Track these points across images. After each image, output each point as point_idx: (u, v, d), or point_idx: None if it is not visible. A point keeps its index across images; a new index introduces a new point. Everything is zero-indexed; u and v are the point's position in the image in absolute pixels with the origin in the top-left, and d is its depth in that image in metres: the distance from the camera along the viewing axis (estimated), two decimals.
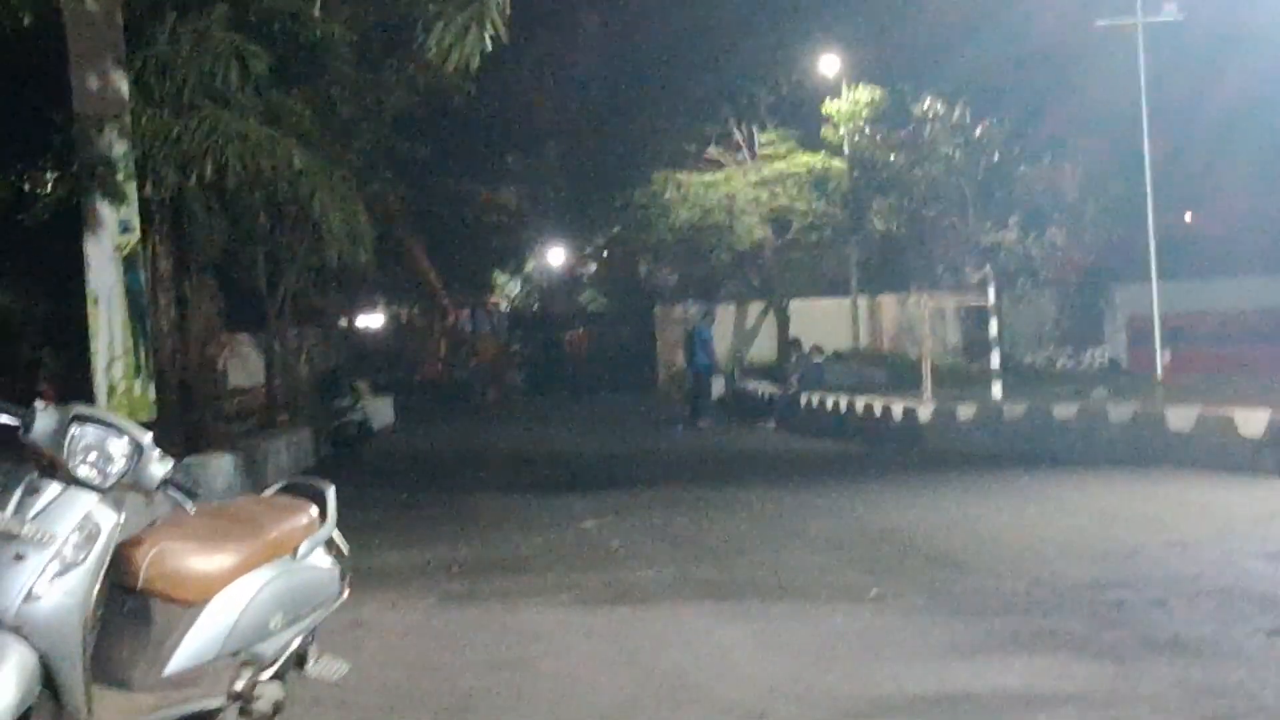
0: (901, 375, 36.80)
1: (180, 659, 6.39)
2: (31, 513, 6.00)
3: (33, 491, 6.05)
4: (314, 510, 7.07)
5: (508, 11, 12.57)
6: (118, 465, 6.14)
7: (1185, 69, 36.96)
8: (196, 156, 19.17)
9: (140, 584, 6.35)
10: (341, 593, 7.14)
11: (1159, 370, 33.65)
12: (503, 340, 54.26)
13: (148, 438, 6.27)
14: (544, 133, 48.22)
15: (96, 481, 6.09)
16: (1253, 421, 17.44)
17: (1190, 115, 39.17)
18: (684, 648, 9.01)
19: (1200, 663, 7.91)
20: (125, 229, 17.18)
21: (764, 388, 37.23)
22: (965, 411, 24.42)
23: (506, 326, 55.99)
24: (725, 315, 45.17)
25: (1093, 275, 43.95)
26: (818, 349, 39.64)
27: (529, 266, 59.95)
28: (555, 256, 58.69)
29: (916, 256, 42.59)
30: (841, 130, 41.73)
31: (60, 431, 6.10)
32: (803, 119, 42.91)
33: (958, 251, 40.68)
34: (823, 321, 44.18)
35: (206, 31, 19.91)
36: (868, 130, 41.53)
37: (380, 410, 32.87)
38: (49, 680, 5.91)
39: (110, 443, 6.16)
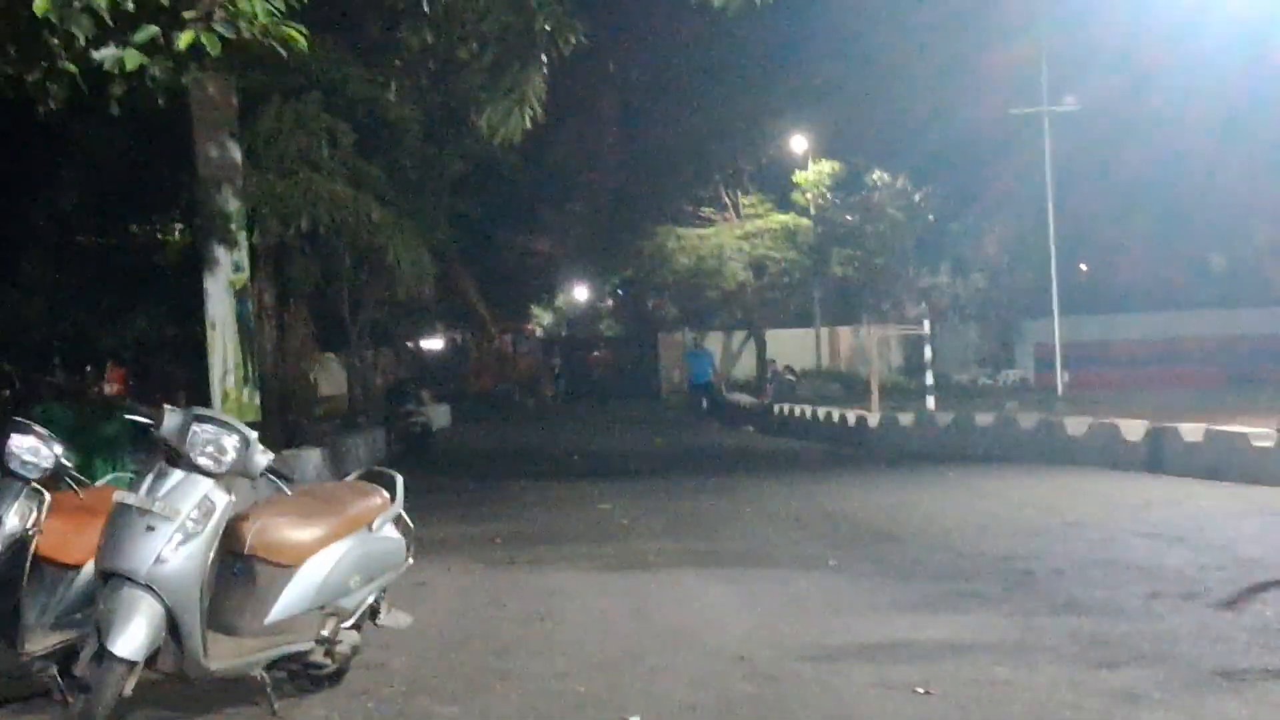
0: (855, 390, 36.78)
1: (278, 611, 6.42)
2: (161, 493, 6.03)
3: (162, 476, 6.09)
4: (385, 493, 7.09)
5: (544, 98, 12.57)
6: (229, 456, 6.17)
7: (1083, 147, 36.93)
8: (295, 211, 19.24)
9: (247, 550, 6.37)
10: (407, 559, 7.15)
11: (1059, 387, 33.70)
12: (538, 359, 54.24)
13: (253, 435, 6.31)
14: (571, 194, 48.30)
15: (212, 469, 6.12)
16: (1133, 429, 17.43)
17: (1086, 184, 39.18)
18: (680, 604, 8.99)
19: (1090, 619, 7.89)
20: (237, 269, 17.22)
21: (745, 399, 37.21)
22: (905, 419, 24.40)
23: (541, 348, 55.98)
24: (714, 341, 45.19)
25: (1007, 311, 43.94)
26: (789, 369, 39.66)
27: (559, 300, 59.95)
28: (580, 292, 58.71)
29: (867, 295, 42.76)
30: (808, 195, 41.89)
31: (184, 429, 6.14)
32: (777, 186, 43.09)
33: (900, 292, 40.82)
34: (793, 347, 44.24)
35: (304, 112, 19.99)
36: (829, 195, 41.72)
37: (439, 415, 32.86)
38: (173, 627, 5.94)
39: (224, 438, 6.19)
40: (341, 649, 6.66)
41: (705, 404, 35.52)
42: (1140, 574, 9.32)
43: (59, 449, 6.66)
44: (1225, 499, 13.39)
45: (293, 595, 6.45)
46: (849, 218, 41.58)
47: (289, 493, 6.79)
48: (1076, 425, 18.91)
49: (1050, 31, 33.60)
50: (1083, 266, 47.48)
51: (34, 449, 6.54)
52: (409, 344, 45.49)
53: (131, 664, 5.85)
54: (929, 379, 30.44)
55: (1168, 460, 16.25)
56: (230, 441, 6.20)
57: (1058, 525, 12.03)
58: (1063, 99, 34.55)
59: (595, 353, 55.40)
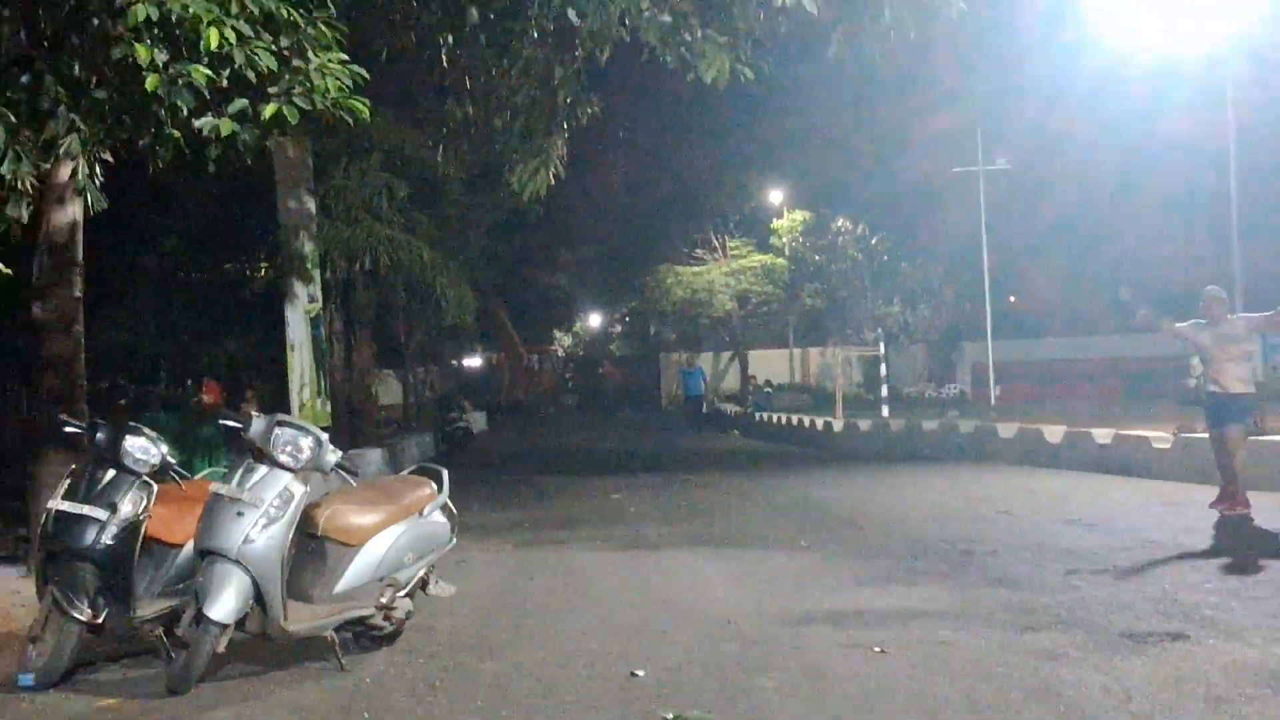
0: (822, 401, 36.80)
1: (345, 582, 6.43)
2: (249, 485, 6.06)
3: (249, 471, 6.12)
4: (434, 485, 7.10)
5: (565, 159, 12.58)
6: (305, 454, 6.19)
7: (1013, 199, 37.05)
8: (359, 252, 19.31)
9: (320, 532, 6.38)
10: (451, 540, 7.15)
11: (992, 399, 33.69)
12: (559, 375, 54.16)
13: (325, 436, 6.33)
14: (587, 238, 48.42)
15: (291, 465, 6.14)
16: (1054, 433, 17.40)
17: (1013, 228, 39.29)
18: (678, 578, 8.96)
19: (1019, 592, 7.87)
20: (311, 299, 17.22)
21: (731, 408, 37.18)
22: (864, 425, 24.36)
23: (562, 366, 55.88)
24: (704, 361, 45.21)
25: (949, 335, 43.98)
26: (769, 383, 39.59)
27: (576, 326, 59.99)
28: (594, 319, 58.73)
29: (832, 322, 42.71)
30: (783, 239, 41.99)
31: (268, 432, 6.16)
32: (758, 231, 43.32)
33: (859, 319, 40.75)
34: (771, 365, 44.31)
35: (366, 170, 20.06)
36: (801, 239, 41.80)
37: (478, 421, 32.88)
38: (258, 596, 5.96)
39: (300, 439, 6.21)
40: (397, 614, 6.66)
41: (697, 413, 35.54)
42: (1060, 554, 9.30)
43: (165, 448, 6.68)
44: (1131, 492, 13.36)
45: (357, 569, 6.46)
46: (817, 258, 41.68)
47: (354, 484, 6.81)
48: (1006, 430, 18.88)
49: (982, 102, 33.86)
50: (1011, 298, 47.54)
51: (144, 448, 6.56)
52: (453, 362, 45.53)
53: (224, 626, 5.87)
54: (884, 392, 30.48)
55: (1083, 459, 16.22)
56: (306, 442, 6.22)
57: (992, 514, 12.00)
58: (994, 158, 34.65)
59: (602, 369, 55.10)
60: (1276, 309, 10.55)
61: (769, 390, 39.50)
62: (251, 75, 6.84)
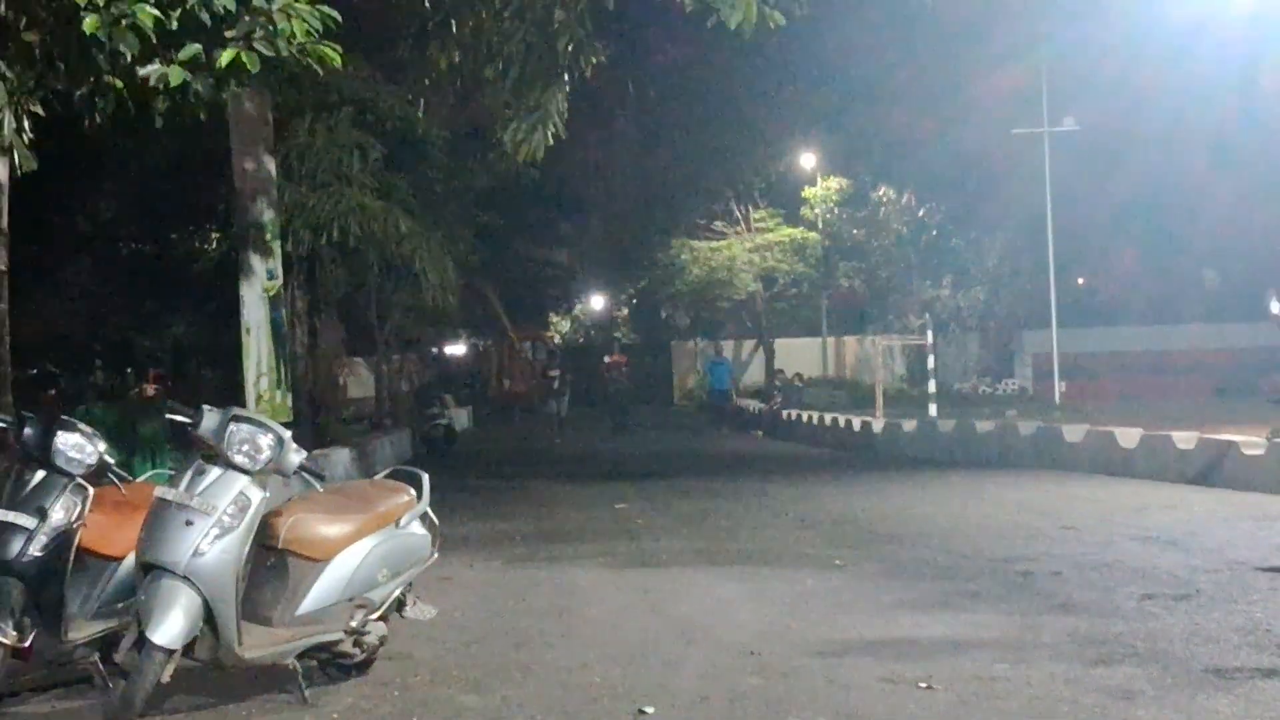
0: (860, 397, 36.77)
1: (310, 603, 6.44)
2: (199, 489, 6.07)
3: (200, 473, 6.13)
4: (412, 491, 7.10)
5: (565, 117, 12.57)
6: (264, 454, 6.20)
7: (1081, 165, 36.81)
8: (326, 222, 19.30)
9: (281, 544, 6.40)
10: (432, 554, 7.16)
11: (1057, 396, 33.61)
12: (539, 373, 53.91)
13: (287, 434, 6.34)
14: (589, 208, 48.35)
15: (248, 466, 6.15)
16: (1128, 436, 17.38)
17: (1083, 200, 39.07)
18: (692, 600, 8.98)
19: (1087, 619, 7.87)
20: (271, 276, 17.22)
21: (754, 405, 37.15)
22: (908, 425, 24.33)
23: (547, 360, 55.63)
24: (725, 350, 45.17)
25: (1007, 323, 43.90)
26: (798, 376, 39.48)
27: (576, 309, 59.96)
28: (596, 302, 58.69)
29: (873, 307, 42.68)
30: (816, 210, 41.89)
31: (222, 428, 6.18)
32: (787, 200, 43.10)
33: (904, 303, 40.70)
34: (800, 356, 44.13)
35: (335, 128, 20.05)
36: (836, 210, 41.73)
37: (461, 418, 32.88)
38: (210, 617, 5.98)
39: (259, 437, 6.23)
40: (369, 640, 6.67)
41: (723, 410, 35.48)
42: (1135, 576, 9.29)
43: (102, 446, 6.69)
44: (1216, 504, 13.35)
45: (323, 588, 6.47)
46: (856, 232, 41.62)
47: (320, 489, 6.83)
48: (1073, 432, 18.87)
49: (1051, 54, 33.54)
50: (1080, 280, 47.41)
51: (78, 446, 6.57)
52: (433, 350, 45.53)
53: (170, 652, 5.88)
54: (931, 387, 30.39)
55: (1161, 467, 16.20)
56: (265, 440, 6.23)
57: (1055, 529, 11.99)
58: (1062, 119, 34.48)
59: (608, 358, 53.42)
60: None
61: (799, 385, 39.44)
62: (206, 17, 6.84)
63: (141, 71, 7.03)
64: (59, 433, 6.58)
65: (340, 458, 18.29)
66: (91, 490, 6.57)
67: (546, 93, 12.13)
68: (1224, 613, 7.95)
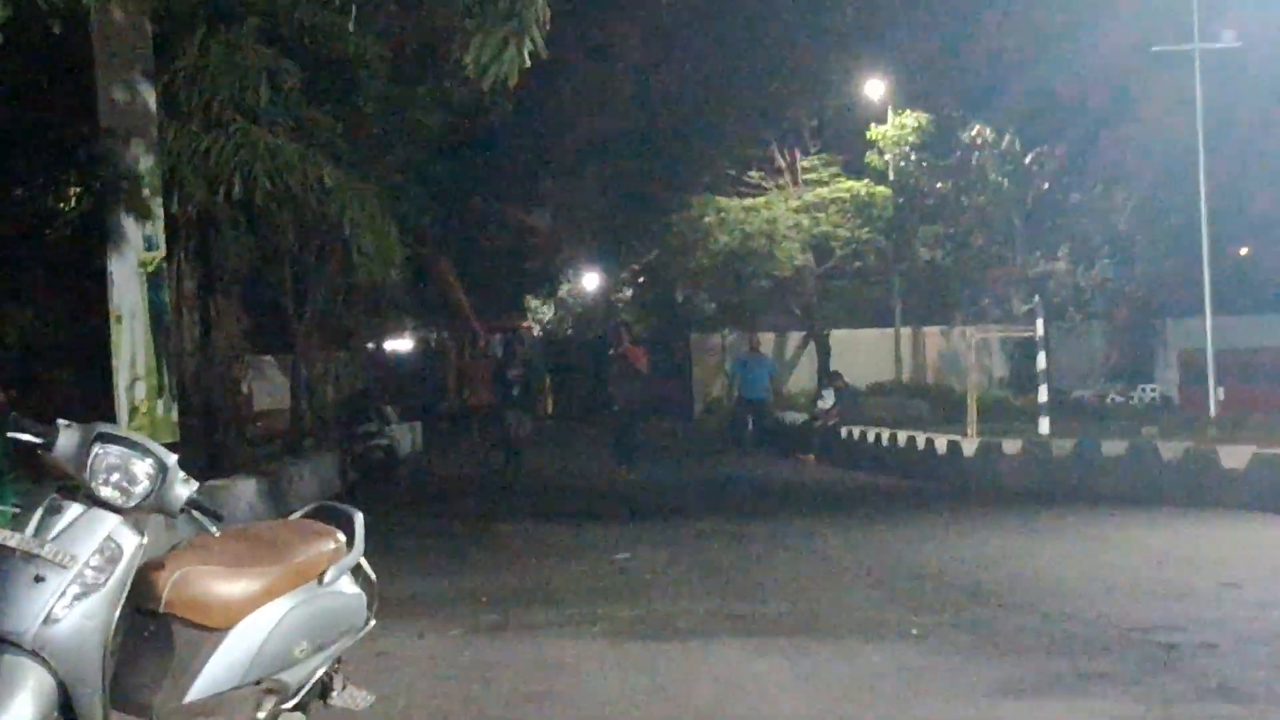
0: (945, 408, 36.80)
1: (202, 686, 6.41)
2: (52, 533, 6.02)
3: (54, 512, 6.06)
4: (340, 536, 7.07)
5: (547, 26, 12.57)
6: (141, 486, 6.16)
7: (1244, 97, 36.77)
8: (224, 172, 19.24)
9: (162, 608, 6.35)
10: (368, 621, 7.14)
11: (1212, 407, 33.55)
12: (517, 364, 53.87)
13: (172, 459, 6.29)
14: (581, 155, 48.16)
15: (119, 502, 6.10)
16: None
17: (1249, 145, 38.99)
18: (717, 683, 8.99)
19: (1251, 711, 7.87)
20: (150, 245, 17.23)
21: (799, 418, 37.08)
22: (1011, 446, 24.33)
23: (533, 346, 55.64)
24: (763, 345, 45.13)
25: (1144, 309, 43.91)
26: (839, 376, 39.34)
27: (562, 290, 59.97)
28: (590, 281, 58.67)
29: (962, 287, 42.65)
30: (886, 156, 41.82)
31: (83, 451, 6.11)
32: (847, 144, 42.98)
33: (1005, 282, 40.69)
34: (865, 353, 44.07)
35: (237, 45, 19.99)
36: (913, 157, 41.62)
37: (406, 436, 32.92)
38: (67, 705, 5.93)
39: (134, 463, 6.17)
40: None
41: (756, 425, 35.39)
42: None
43: None
44: None
45: (220, 666, 6.46)
46: (939, 185, 41.56)
47: (217, 533, 6.82)
48: (1235, 456, 18.85)
49: None
50: (1243, 251, 47.37)
51: None
52: (370, 346, 45.61)
53: None
54: (1043, 395, 30.41)
55: None
56: (142, 468, 6.21)
57: (1210, 586, 11.99)
58: (1218, 33, 34.43)
59: (614, 351, 52.43)
60: None
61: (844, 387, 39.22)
62: None
63: None
64: None
65: (244, 490, 18.31)
66: None
67: None
68: None
